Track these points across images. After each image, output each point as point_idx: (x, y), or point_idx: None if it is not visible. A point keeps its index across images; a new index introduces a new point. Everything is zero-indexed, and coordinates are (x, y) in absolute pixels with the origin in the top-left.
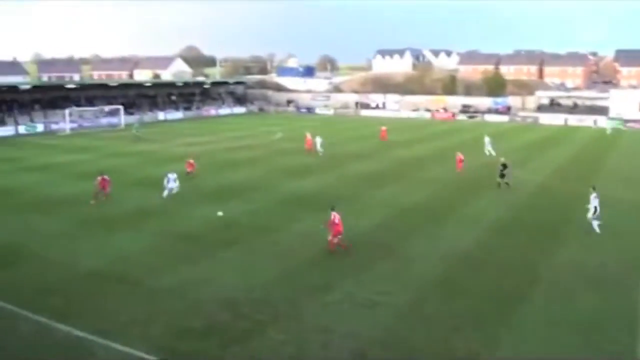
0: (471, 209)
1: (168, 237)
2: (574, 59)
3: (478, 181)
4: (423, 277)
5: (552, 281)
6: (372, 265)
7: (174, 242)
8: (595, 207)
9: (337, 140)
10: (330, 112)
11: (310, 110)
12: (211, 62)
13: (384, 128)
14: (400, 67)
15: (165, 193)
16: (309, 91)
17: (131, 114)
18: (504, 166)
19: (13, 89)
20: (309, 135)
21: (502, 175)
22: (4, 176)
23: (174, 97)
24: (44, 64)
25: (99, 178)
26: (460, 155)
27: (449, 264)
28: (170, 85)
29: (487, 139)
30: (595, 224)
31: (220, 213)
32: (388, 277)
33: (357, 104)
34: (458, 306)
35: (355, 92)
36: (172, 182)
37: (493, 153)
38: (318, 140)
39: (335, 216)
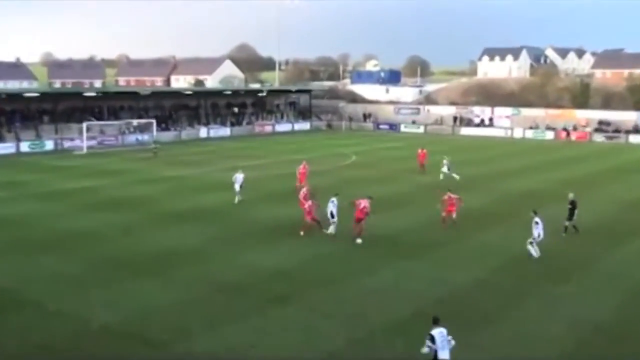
0: (606, 263)
1: (205, 287)
2: None
3: (617, 227)
4: (543, 351)
5: None
6: (472, 334)
7: (212, 294)
8: (539, 234)
9: (429, 166)
10: (420, 129)
11: (393, 127)
12: (268, 64)
13: (423, 151)
14: (514, 71)
15: (332, 228)
16: (392, 102)
17: (167, 129)
18: (573, 204)
19: (15, 97)
20: (302, 167)
21: (571, 216)
22: (3, 205)
23: (235, 109)
24: (56, 67)
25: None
26: (450, 195)
27: (577, 336)
28: (216, 93)
29: (445, 161)
30: (531, 249)
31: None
32: (496, 350)
33: (455, 119)
34: None
35: (454, 103)
36: (332, 206)
37: (456, 176)
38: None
39: (361, 203)
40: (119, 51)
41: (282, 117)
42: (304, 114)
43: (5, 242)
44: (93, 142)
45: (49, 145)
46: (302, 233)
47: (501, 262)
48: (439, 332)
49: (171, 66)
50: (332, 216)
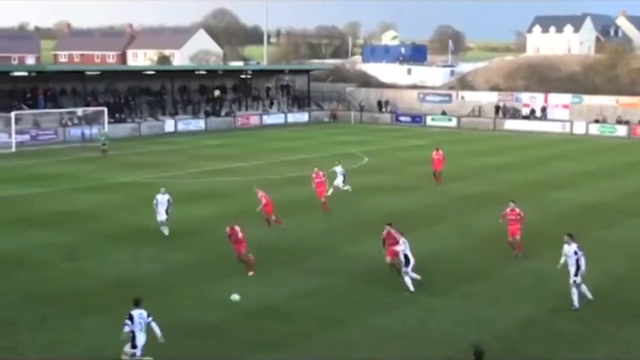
0: None
1: (170, 328)
2: None
3: None
4: None
5: None
6: None
7: (179, 337)
8: (578, 266)
9: (464, 171)
10: (452, 122)
11: (416, 119)
12: (254, 36)
13: (439, 152)
14: (574, 46)
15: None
16: (415, 87)
17: (122, 120)
18: None
19: None
20: (260, 193)
21: None
22: None
23: (217, 93)
24: None
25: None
26: (515, 209)
27: None
28: (186, 74)
29: (338, 169)
30: (574, 292)
31: (236, 297)
32: None
33: (498, 109)
34: None
35: (496, 89)
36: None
37: (341, 186)
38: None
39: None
40: (58, 18)
41: (271, 106)
42: (300, 101)
43: None
44: (25, 137)
45: None
46: (250, 273)
47: (557, 298)
48: (138, 313)
49: (127, 38)
50: (407, 261)
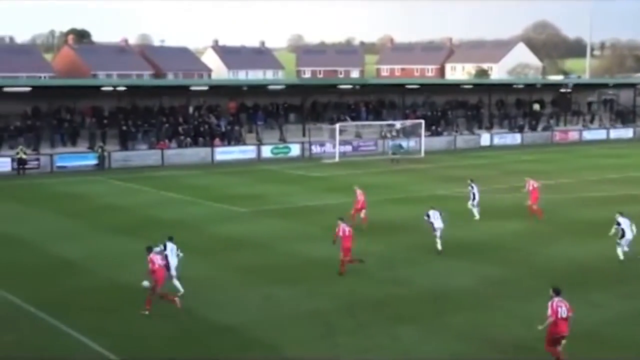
0: None
1: (476, 342)
2: None
3: None
4: None
5: None
6: None
7: (485, 350)
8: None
9: None
10: None
11: None
12: (576, 49)
13: None
14: None
15: None
16: None
17: (437, 133)
18: None
19: (258, 89)
20: (358, 191)
21: None
22: (242, 223)
23: (537, 107)
24: (306, 53)
25: None
26: None
27: None
28: (504, 87)
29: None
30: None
31: (146, 283)
32: None
33: None
34: None
35: None
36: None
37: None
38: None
39: (344, 229)
40: (381, 33)
41: (592, 121)
42: (624, 116)
43: (244, 267)
44: (347, 148)
45: (295, 150)
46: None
47: None
48: (171, 246)
49: (446, 52)
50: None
